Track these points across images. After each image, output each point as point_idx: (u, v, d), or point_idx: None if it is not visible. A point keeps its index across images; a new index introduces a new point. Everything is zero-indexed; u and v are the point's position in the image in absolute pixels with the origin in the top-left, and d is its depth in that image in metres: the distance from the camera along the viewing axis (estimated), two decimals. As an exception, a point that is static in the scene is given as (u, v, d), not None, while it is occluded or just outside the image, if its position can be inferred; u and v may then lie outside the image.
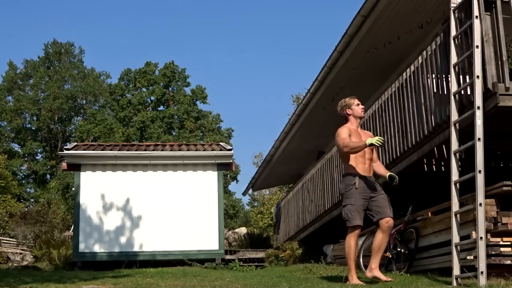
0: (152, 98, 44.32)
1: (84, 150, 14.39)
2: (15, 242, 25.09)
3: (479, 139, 5.43)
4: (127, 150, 14.51)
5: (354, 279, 5.77)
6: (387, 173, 6.04)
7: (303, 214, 13.55)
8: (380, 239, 5.79)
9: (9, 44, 68.26)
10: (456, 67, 6.15)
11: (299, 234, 14.20)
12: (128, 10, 72.47)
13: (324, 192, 11.67)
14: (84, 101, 48.31)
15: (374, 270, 5.75)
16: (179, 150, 14.80)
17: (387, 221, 5.76)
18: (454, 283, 5.46)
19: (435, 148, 7.35)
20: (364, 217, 5.93)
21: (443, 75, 6.73)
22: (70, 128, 48.08)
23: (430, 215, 7.22)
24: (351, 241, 5.84)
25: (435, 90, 6.91)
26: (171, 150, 14.67)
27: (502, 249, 5.80)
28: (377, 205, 5.81)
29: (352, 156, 5.87)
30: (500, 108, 5.78)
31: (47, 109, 44.45)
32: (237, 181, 45.12)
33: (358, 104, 6.04)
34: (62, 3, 69.70)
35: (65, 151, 14.22)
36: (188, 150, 14.74)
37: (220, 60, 75.72)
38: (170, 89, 45.08)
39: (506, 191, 5.95)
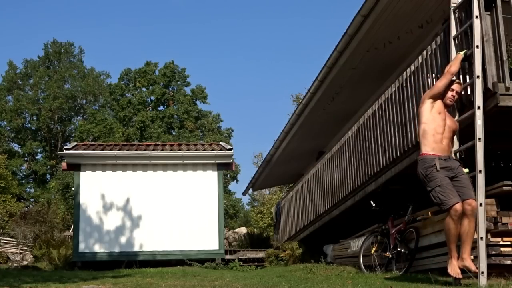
0: (152, 98, 44.34)
1: (84, 150, 14.38)
2: (15, 242, 25.08)
3: (479, 139, 5.43)
4: (127, 150, 14.51)
5: (453, 266, 5.29)
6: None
7: (303, 214, 13.55)
8: (466, 224, 5.23)
9: (9, 44, 68.33)
10: (456, 67, 6.15)
11: (299, 234, 14.19)
12: (128, 10, 72.54)
13: (324, 192, 11.66)
14: (84, 101, 48.30)
15: (465, 260, 5.26)
16: (179, 150, 14.79)
17: (470, 204, 5.23)
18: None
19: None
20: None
21: (443, 75, 6.71)
22: (70, 128, 48.08)
23: (430, 215, 7.21)
24: (450, 224, 5.24)
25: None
26: (171, 150, 14.67)
27: (502, 249, 5.80)
28: (460, 185, 5.34)
29: (429, 134, 5.47)
30: (500, 108, 5.78)
31: (47, 109, 44.43)
32: (237, 181, 45.19)
33: (452, 90, 5.67)
34: (62, 3, 69.78)
35: (65, 151, 14.21)
36: (188, 150, 14.74)
37: (220, 60, 75.80)
38: (170, 89, 45.09)
39: (506, 191, 5.95)
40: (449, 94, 5.67)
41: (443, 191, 5.26)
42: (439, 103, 5.61)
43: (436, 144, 5.46)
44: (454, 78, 5.76)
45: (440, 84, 5.68)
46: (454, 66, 5.79)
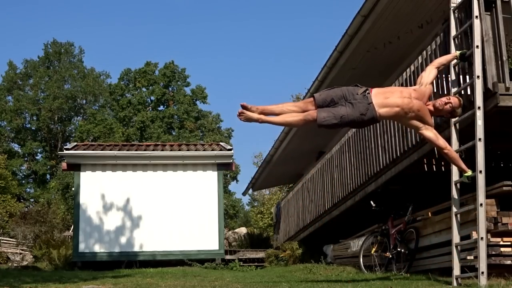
0: (152, 98, 44.33)
1: (84, 150, 14.39)
2: (15, 242, 25.08)
3: (479, 139, 5.43)
4: (127, 150, 14.51)
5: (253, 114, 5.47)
6: (466, 169, 5.45)
7: (303, 214, 13.55)
8: (294, 115, 5.45)
9: (9, 44, 68.24)
10: (456, 67, 6.15)
11: (299, 234, 14.20)
12: (128, 10, 72.50)
13: (324, 192, 11.66)
14: (84, 101, 48.26)
15: (259, 117, 5.40)
16: (179, 150, 14.80)
17: (312, 112, 5.40)
18: (454, 283, 5.46)
19: (435, 148, 7.33)
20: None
21: (443, 75, 6.72)
22: (70, 128, 48.04)
23: (430, 215, 7.22)
24: (292, 102, 5.65)
25: (435, 90, 6.90)
26: (171, 150, 14.67)
27: (502, 249, 5.80)
28: (331, 106, 5.47)
29: (387, 89, 5.76)
30: (500, 108, 5.77)
31: (47, 109, 44.41)
32: (237, 181, 45.12)
33: (448, 98, 5.57)
34: (62, 3, 69.69)
35: (65, 151, 14.23)
36: (188, 150, 14.74)
37: (220, 60, 75.73)
38: (170, 89, 45.08)
39: (506, 191, 5.95)
40: (444, 98, 5.58)
41: (329, 89, 5.70)
42: (423, 88, 5.51)
43: (382, 95, 5.53)
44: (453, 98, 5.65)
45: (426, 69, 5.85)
46: (441, 58, 5.90)
